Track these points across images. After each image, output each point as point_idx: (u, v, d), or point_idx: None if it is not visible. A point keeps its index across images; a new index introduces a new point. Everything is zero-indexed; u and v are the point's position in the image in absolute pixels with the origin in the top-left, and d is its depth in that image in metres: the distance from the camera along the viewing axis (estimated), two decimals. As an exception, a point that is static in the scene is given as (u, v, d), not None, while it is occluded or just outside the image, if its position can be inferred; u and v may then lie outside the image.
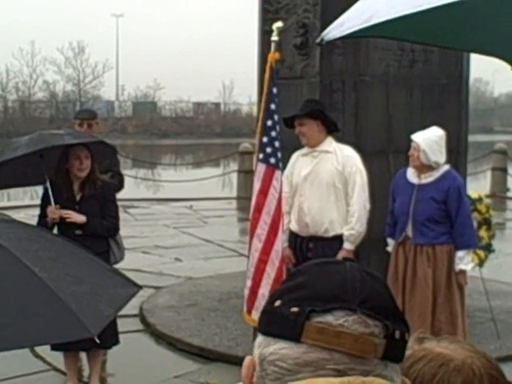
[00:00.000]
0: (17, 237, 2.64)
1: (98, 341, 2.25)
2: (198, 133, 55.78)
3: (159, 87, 63.88)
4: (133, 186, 18.74)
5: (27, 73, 59.71)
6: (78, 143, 5.80)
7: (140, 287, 2.92)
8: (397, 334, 1.07)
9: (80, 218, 5.74)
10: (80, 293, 2.45)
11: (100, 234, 5.84)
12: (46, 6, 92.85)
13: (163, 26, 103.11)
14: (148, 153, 39.52)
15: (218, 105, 64.86)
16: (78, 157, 5.77)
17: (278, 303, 1.09)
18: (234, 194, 18.93)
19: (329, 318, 1.04)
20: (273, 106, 5.87)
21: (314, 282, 1.09)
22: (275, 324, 1.08)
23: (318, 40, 2.42)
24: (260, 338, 1.11)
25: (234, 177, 20.22)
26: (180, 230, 13.84)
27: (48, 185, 5.76)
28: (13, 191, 15.64)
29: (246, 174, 18.43)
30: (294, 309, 1.06)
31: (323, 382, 1.02)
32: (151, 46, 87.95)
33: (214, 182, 22.09)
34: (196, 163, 31.93)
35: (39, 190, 13.96)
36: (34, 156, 5.72)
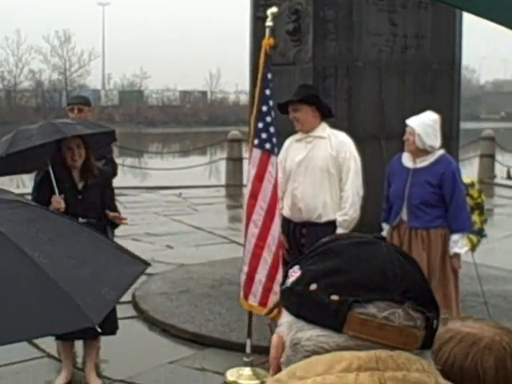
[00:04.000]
0: (17, 219, 2.59)
1: (99, 330, 2.22)
2: (184, 121, 55.65)
3: (145, 76, 63.73)
4: (121, 174, 18.62)
5: (13, 62, 59.54)
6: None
7: (148, 264, 2.89)
8: (434, 324, 1.07)
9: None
10: (82, 277, 2.41)
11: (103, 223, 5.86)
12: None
13: (149, 14, 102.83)
14: (135, 141, 39.35)
15: (204, 93, 64.73)
16: (69, 147, 5.76)
17: (313, 287, 1.06)
18: (223, 181, 18.92)
19: (372, 310, 1.03)
20: (268, 92, 5.87)
21: (352, 266, 1.06)
22: (311, 309, 1.06)
23: None
24: (290, 319, 1.09)
25: (222, 165, 20.21)
26: (170, 217, 13.84)
27: (51, 173, 5.73)
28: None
29: (235, 162, 18.45)
30: (335, 297, 1.04)
31: (349, 355, 1.02)
32: (137, 34, 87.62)
33: (202, 170, 22.07)
34: (183, 151, 31.86)
35: (25, 178, 13.79)
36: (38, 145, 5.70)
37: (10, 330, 2.17)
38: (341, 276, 1.05)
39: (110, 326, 5.83)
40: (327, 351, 1.03)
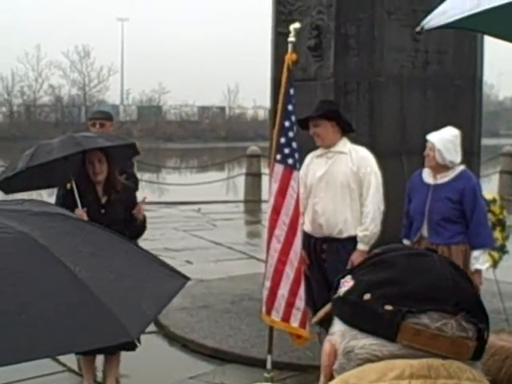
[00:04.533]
0: (58, 232, 2.60)
1: (138, 344, 2.21)
2: (202, 137, 55.75)
3: (164, 91, 63.90)
4: (139, 189, 18.64)
5: (33, 77, 59.75)
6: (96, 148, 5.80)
7: (188, 278, 2.88)
8: (485, 335, 1.09)
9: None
10: (122, 291, 2.40)
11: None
12: (51, 10, 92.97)
13: (168, 29, 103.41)
14: (153, 156, 39.44)
15: (223, 109, 64.82)
16: (90, 161, 5.78)
17: (367, 297, 1.08)
18: (241, 197, 18.93)
19: (425, 320, 1.05)
20: (290, 107, 5.87)
21: (405, 278, 1.08)
22: (365, 318, 1.08)
23: (417, 29, 2.38)
24: (342, 327, 1.11)
25: (240, 180, 20.22)
26: (189, 232, 13.86)
27: (74, 186, 5.75)
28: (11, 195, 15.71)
29: (254, 177, 18.45)
30: (388, 307, 1.06)
31: (401, 362, 1.04)
32: (156, 50, 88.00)
33: (220, 186, 22.07)
34: (201, 167, 31.90)
35: (44, 194, 13.82)
36: (59, 159, 5.70)
37: (51, 343, 2.17)
38: (395, 287, 1.07)
39: (130, 342, 5.82)
40: (380, 359, 1.05)
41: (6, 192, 6.30)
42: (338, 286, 1.15)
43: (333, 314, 1.14)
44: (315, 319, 1.20)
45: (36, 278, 2.33)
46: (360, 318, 1.08)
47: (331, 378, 1.12)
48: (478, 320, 1.08)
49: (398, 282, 1.08)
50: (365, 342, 1.07)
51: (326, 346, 1.13)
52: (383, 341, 1.06)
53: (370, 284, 1.09)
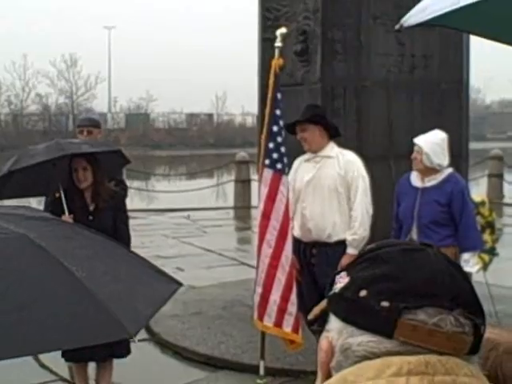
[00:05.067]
0: (55, 235, 2.64)
1: (135, 340, 2.25)
2: (191, 144, 55.72)
3: (152, 99, 63.90)
4: (128, 196, 18.61)
5: (19, 86, 59.71)
6: (79, 154, 5.78)
7: (180, 284, 2.91)
8: (482, 330, 1.09)
9: None
10: (118, 292, 2.44)
11: None
12: (38, 19, 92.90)
13: (155, 37, 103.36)
14: (141, 164, 39.38)
15: (211, 116, 64.82)
16: (75, 169, 5.76)
17: (363, 293, 1.08)
18: (231, 203, 18.94)
19: (421, 316, 1.05)
20: (278, 112, 5.90)
21: (401, 273, 1.08)
22: (362, 315, 1.08)
23: (397, 26, 2.38)
24: (339, 325, 1.11)
25: (229, 187, 20.22)
26: (179, 239, 13.86)
27: (62, 193, 5.74)
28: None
29: (243, 184, 18.47)
30: (385, 303, 1.06)
31: (398, 359, 1.04)
32: (143, 58, 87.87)
33: (210, 193, 22.07)
34: (190, 174, 31.90)
35: (32, 202, 13.80)
36: (46, 165, 5.69)
37: (50, 339, 2.20)
38: (391, 282, 1.07)
39: (121, 348, 5.83)
40: (377, 356, 1.05)
41: None
42: (332, 283, 1.15)
43: (328, 310, 1.14)
44: (310, 316, 1.20)
45: (34, 276, 2.37)
46: (357, 314, 1.08)
47: (329, 375, 1.12)
48: (475, 315, 1.08)
49: (393, 277, 1.07)
50: (362, 339, 1.07)
51: (323, 343, 1.13)
52: (380, 338, 1.06)
53: (365, 280, 1.09)
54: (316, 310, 1.19)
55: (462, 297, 1.08)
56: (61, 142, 6.08)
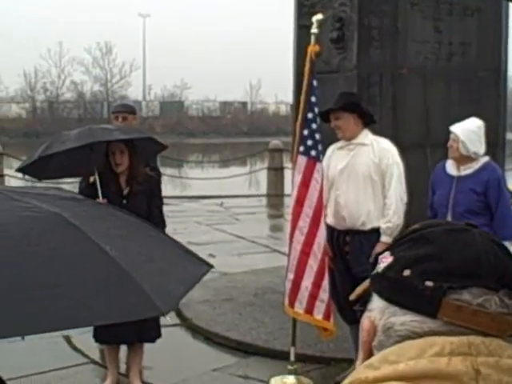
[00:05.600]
0: (88, 215, 2.66)
1: (168, 319, 2.26)
2: (224, 132, 55.82)
3: (186, 87, 64.07)
4: (162, 183, 18.69)
5: (55, 73, 60.20)
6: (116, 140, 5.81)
7: (211, 266, 2.93)
8: None
9: None
10: (151, 272, 2.46)
11: None
12: (73, 6, 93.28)
13: (189, 25, 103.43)
14: (175, 152, 39.56)
15: (244, 104, 64.84)
16: (112, 152, 5.81)
17: (407, 273, 1.07)
18: (263, 191, 18.94)
19: (466, 296, 1.04)
20: (313, 99, 5.88)
21: (446, 254, 1.07)
22: (405, 294, 1.07)
23: None
24: (381, 304, 1.11)
25: (262, 175, 20.22)
26: (212, 226, 13.90)
27: (96, 177, 5.78)
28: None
29: (276, 171, 18.46)
30: (429, 283, 1.05)
31: (441, 339, 1.03)
32: (178, 45, 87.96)
33: (243, 180, 22.10)
34: (223, 161, 31.95)
35: (64, 186, 13.91)
36: (84, 149, 5.72)
37: (81, 315, 2.22)
38: (435, 262, 1.06)
39: (151, 332, 5.87)
40: (420, 336, 1.05)
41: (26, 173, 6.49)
42: (375, 263, 1.15)
43: (371, 290, 1.14)
44: (353, 296, 1.20)
45: (68, 253, 2.38)
46: (400, 294, 1.08)
47: (370, 354, 1.12)
48: None
49: (438, 257, 1.07)
50: (405, 319, 1.07)
51: (365, 323, 1.13)
52: (424, 317, 1.06)
53: (409, 260, 1.09)
54: (358, 290, 1.19)
55: (507, 277, 1.06)
56: (93, 128, 6.11)
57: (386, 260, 1.12)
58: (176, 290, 2.49)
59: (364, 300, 1.16)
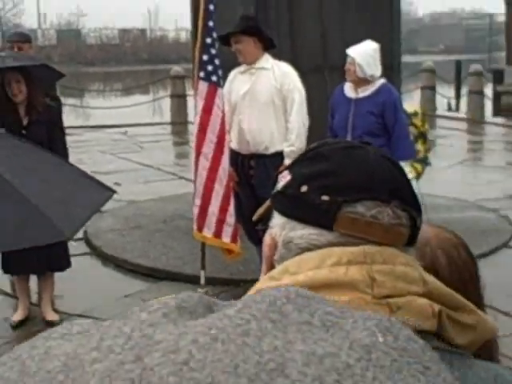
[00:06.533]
0: None
1: (73, 243, 2.35)
2: (124, 60, 54.70)
3: (82, 14, 62.37)
4: (63, 112, 18.27)
5: None
6: (8, 67, 5.70)
7: (114, 191, 2.99)
8: (418, 222, 1.13)
9: None
10: (54, 199, 2.51)
11: None
12: None
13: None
14: (75, 81, 38.63)
15: (144, 31, 63.60)
16: (8, 82, 5.71)
17: (304, 189, 1.11)
18: (167, 119, 18.83)
19: (360, 209, 1.08)
20: (211, 24, 5.87)
21: (341, 169, 1.11)
22: (302, 209, 1.11)
23: None
24: (281, 220, 1.14)
25: (165, 102, 20.05)
26: (117, 155, 13.79)
27: None
28: None
29: (179, 99, 18.34)
30: (325, 197, 1.08)
31: (339, 250, 1.07)
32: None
33: (146, 108, 21.85)
34: (125, 90, 31.42)
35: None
36: None
37: None
38: (330, 178, 1.10)
39: (60, 261, 5.92)
40: (319, 248, 1.09)
41: None
42: (275, 183, 1.18)
43: (272, 209, 1.17)
44: (255, 216, 1.23)
45: None
46: (298, 209, 1.11)
47: (272, 268, 1.15)
48: (412, 208, 1.12)
49: (333, 173, 1.10)
50: (303, 232, 1.10)
51: (267, 239, 1.16)
52: (321, 230, 1.09)
53: (306, 176, 1.12)
54: (260, 210, 1.22)
55: (399, 190, 1.11)
56: None
57: (284, 179, 1.15)
58: (80, 215, 2.55)
59: (266, 219, 1.19)
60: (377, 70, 6.17)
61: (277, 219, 1.14)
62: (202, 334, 0.65)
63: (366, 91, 6.19)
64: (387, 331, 0.70)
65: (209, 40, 5.88)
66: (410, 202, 1.11)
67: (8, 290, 6.67)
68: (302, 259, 1.08)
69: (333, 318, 0.70)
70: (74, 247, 7.07)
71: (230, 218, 5.87)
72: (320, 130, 6.37)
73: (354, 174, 1.10)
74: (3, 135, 3.16)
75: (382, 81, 6.24)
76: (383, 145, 6.16)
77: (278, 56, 6.36)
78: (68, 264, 6.04)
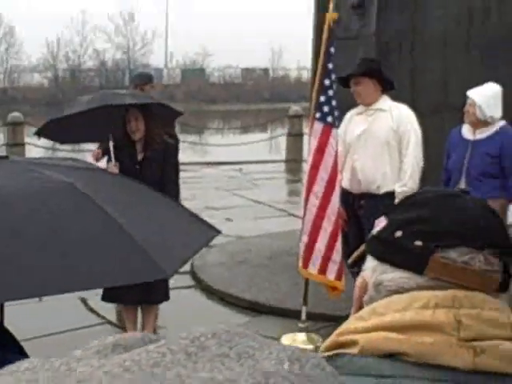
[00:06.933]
0: (99, 183, 2.76)
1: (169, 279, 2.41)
2: (246, 98, 55.56)
3: (208, 54, 63.81)
4: (181, 150, 18.62)
5: (78, 42, 60.04)
6: (130, 105, 5.84)
7: (219, 231, 3.02)
8: (511, 270, 1.11)
9: None
10: (157, 237, 2.56)
11: None
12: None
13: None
14: (196, 118, 39.56)
15: (266, 70, 64.47)
16: (128, 120, 5.85)
17: (398, 234, 1.12)
18: (283, 157, 18.91)
19: (452, 254, 1.08)
20: (330, 66, 5.93)
21: (436, 216, 1.11)
22: (395, 253, 1.12)
23: None
24: (373, 263, 1.15)
25: (282, 141, 20.18)
26: (230, 192, 13.90)
27: (111, 143, 5.84)
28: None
29: (296, 137, 18.43)
30: (418, 242, 1.09)
31: (427, 293, 1.08)
32: (200, 12, 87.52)
33: (263, 146, 22.04)
34: (243, 127, 31.88)
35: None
36: (101, 115, 5.77)
37: (94, 278, 2.33)
38: (425, 224, 1.11)
39: (158, 294, 5.94)
40: (407, 291, 1.10)
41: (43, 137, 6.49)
42: (372, 227, 1.20)
43: (366, 252, 1.19)
44: (350, 260, 1.27)
45: (79, 222, 2.51)
46: (391, 253, 1.12)
47: (361, 308, 1.17)
48: (506, 255, 1.11)
49: (428, 219, 1.11)
50: (394, 275, 1.11)
51: (358, 281, 1.19)
52: (411, 274, 1.10)
53: (401, 222, 1.13)
54: (355, 254, 1.25)
55: (493, 238, 1.10)
56: (106, 92, 6.21)
57: (380, 224, 1.17)
58: (182, 255, 2.59)
59: (360, 263, 1.21)
60: (496, 112, 6.01)
61: (369, 262, 1.18)
62: (117, 366, 0.67)
63: (484, 132, 6.04)
64: (296, 360, 0.69)
65: (327, 81, 5.92)
66: (504, 249, 1.11)
67: (113, 319, 6.75)
68: (390, 301, 1.11)
69: (250, 350, 0.69)
70: (180, 280, 7.12)
71: (336, 255, 5.83)
72: (436, 171, 6.26)
73: (448, 220, 1.11)
74: (115, 175, 3.22)
75: (502, 122, 6.08)
76: (498, 186, 6.00)
77: (396, 97, 6.27)
78: (166, 298, 6.05)
